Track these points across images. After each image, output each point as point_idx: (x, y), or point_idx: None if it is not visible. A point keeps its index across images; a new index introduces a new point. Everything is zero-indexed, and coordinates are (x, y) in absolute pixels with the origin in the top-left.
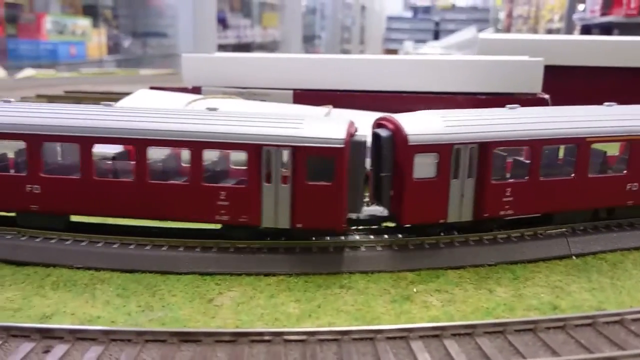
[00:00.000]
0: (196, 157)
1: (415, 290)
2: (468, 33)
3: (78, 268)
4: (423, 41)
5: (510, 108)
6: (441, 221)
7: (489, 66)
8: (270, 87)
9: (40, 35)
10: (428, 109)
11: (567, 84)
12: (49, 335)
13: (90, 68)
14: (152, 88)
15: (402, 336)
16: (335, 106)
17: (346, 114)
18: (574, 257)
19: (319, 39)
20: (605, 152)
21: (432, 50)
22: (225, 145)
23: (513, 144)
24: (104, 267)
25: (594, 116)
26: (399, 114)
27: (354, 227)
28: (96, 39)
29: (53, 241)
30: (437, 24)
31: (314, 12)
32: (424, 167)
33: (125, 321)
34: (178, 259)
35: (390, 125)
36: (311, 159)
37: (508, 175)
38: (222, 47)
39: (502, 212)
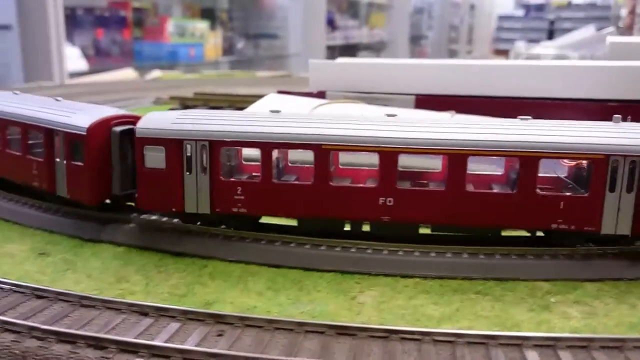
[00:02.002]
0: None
1: (553, 300)
2: (586, 32)
3: (230, 261)
4: (536, 41)
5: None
6: (174, 210)
7: (622, 72)
8: (392, 92)
9: (163, 38)
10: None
11: None
12: (221, 320)
13: (209, 70)
14: (279, 92)
15: (549, 345)
16: (458, 112)
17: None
18: None
19: (426, 39)
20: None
21: (546, 50)
22: (30, 126)
23: (241, 145)
24: (253, 262)
25: (351, 124)
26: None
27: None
28: (213, 41)
29: (208, 236)
30: (551, 22)
31: (422, 11)
32: (153, 158)
33: (279, 312)
34: (320, 257)
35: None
36: (71, 143)
37: (243, 174)
38: (330, 49)
39: (234, 209)
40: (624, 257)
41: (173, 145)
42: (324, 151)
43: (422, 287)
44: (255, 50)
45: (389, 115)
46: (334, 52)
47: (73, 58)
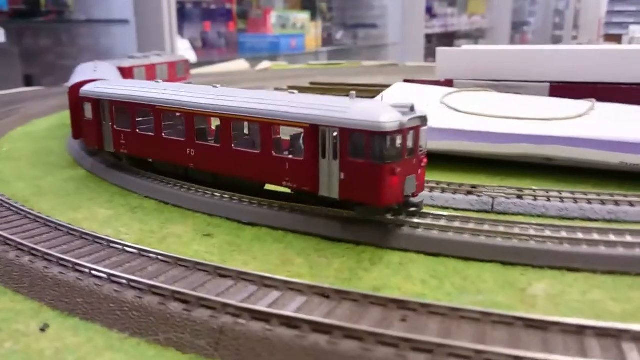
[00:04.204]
0: None
1: None
2: None
3: (387, 248)
4: None
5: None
6: (96, 148)
7: None
8: (524, 79)
9: (266, 30)
10: None
11: None
12: (403, 306)
13: (309, 60)
14: (405, 81)
15: None
16: (598, 100)
17: (612, 109)
18: None
19: (528, 26)
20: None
21: None
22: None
23: (119, 104)
24: (410, 250)
25: (177, 92)
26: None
27: None
28: (313, 32)
29: (364, 223)
30: None
31: None
32: (87, 111)
33: (450, 301)
34: (481, 247)
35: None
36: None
37: (125, 124)
38: (428, 37)
39: (121, 150)
40: None
41: (94, 102)
42: (158, 111)
43: (593, 281)
44: (354, 40)
45: (213, 87)
46: (430, 40)
47: (183, 50)
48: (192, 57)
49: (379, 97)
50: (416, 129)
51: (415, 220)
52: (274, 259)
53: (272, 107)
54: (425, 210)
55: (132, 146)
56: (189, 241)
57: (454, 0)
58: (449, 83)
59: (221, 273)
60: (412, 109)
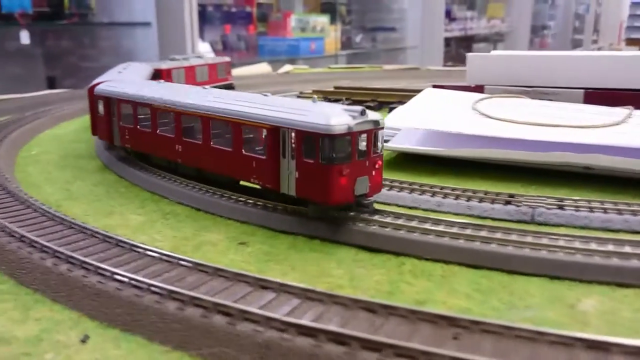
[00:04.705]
0: None
1: None
2: None
3: (427, 259)
4: None
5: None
6: (108, 142)
7: None
8: (558, 86)
9: (286, 33)
10: None
11: None
12: (454, 323)
13: (328, 63)
14: (434, 86)
15: None
16: (636, 107)
17: None
18: None
19: (547, 29)
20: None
21: None
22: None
23: (123, 102)
24: (452, 261)
25: (174, 92)
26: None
27: None
28: (332, 35)
29: (402, 231)
30: None
31: (545, 0)
32: (100, 108)
33: (498, 317)
34: (526, 260)
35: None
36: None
37: (129, 121)
38: (447, 41)
39: (126, 145)
40: None
41: (105, 100)
42: (153, 109)
43: None
44: (373, 43)
45: (203, 88)
46: (449, 44)
47: (204, 53)
48: None
49: (409, 103)
50: (368, 132)
51: (455, 230)
52: (312, 269)
53: (241, 107)
54: (461, 219)
55: (134, 141)
56: (224, 249)
57: (473, 4)
58: (479, 89)
59: (263, 284)
60: (362, 112)
